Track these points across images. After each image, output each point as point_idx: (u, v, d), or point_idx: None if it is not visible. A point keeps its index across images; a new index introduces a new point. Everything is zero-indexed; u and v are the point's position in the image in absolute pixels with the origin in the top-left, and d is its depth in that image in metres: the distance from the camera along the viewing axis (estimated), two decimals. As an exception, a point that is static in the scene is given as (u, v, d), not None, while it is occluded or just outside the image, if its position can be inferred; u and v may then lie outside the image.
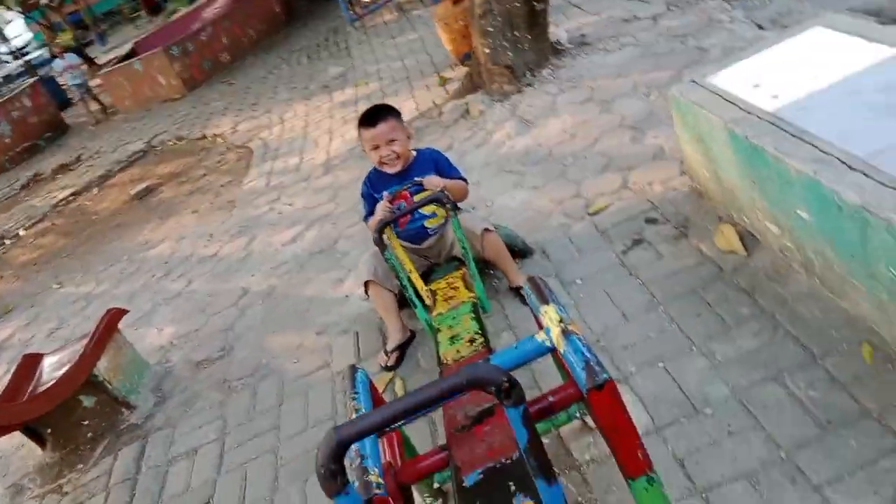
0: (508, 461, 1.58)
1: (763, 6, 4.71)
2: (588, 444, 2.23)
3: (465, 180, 3.09)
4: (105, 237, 7.10)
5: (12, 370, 3.77)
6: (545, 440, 2.32)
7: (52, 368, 3.69)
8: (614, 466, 1.55)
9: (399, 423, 1.21)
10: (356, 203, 3.85)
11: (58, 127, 14.21)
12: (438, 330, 2.31)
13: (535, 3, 4.91)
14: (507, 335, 2.86)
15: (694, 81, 2.83)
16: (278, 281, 4.33)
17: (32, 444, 3.71)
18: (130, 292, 5.31)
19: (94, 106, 13.68)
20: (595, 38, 5.32)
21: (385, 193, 2.87)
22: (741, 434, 2.04)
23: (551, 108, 4.59)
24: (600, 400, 1.41)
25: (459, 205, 3.09)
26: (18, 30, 30.82)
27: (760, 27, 4.41)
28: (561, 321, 1.57)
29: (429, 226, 3.07)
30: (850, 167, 1.97)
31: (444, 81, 5.94)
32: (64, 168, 11.27)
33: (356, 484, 1.43)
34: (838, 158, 2.02)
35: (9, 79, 21.89)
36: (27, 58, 24.97)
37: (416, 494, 2.20)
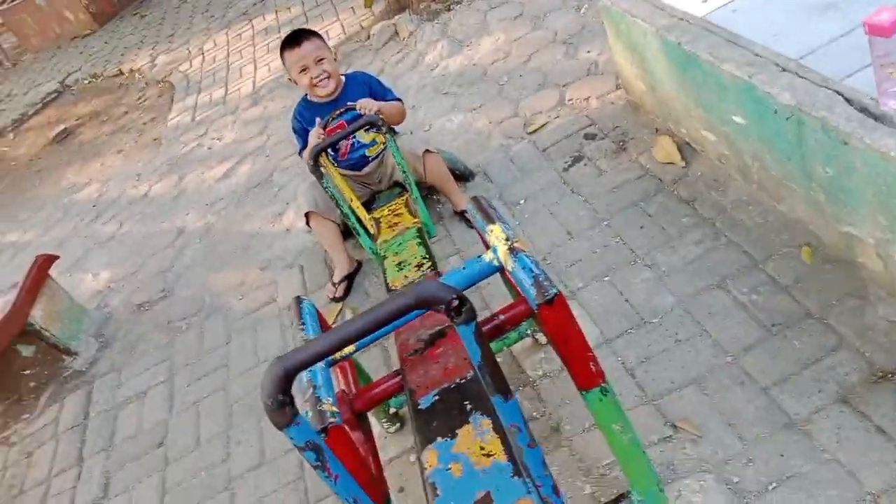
0: (463, 380, 1.59)
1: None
2: (540, 361, 2.27)
3: (399, 100, 2.99)
4: (27, 183, 6.75)
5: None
6: (498, 358, 2.35)
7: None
8: (567, 380, 1.57)
9: (349, 351, 1.19)
10: (289, 134, 3.73)
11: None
12: (385, 257, 2.28)
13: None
14: (456, 260, 2.85)
15: (627, -9, 2.78)
16: (215, 218, 4.20)
17: (-28, 403, 3.60)
18: (60, 239, 5.09)
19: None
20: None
21: (318, 119, 2.77)
22: (689, 341, 2.09)
23: (482, 26, 4.47)
24: (551, 314, 1.41)
25: (397, 129, 3.02)
26: None
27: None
28: (507, 239, 1.55)
29: (369, 154, 2.99)
30: (783, 69, 1.98)
31: (370, 2, 5.72)
32: (-28, 115, 10.58)
33: (310, 414, 1.41)
34: (772, 61, 2.02)
35: None
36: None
37: (373, 421, 2.22)
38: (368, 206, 2.82)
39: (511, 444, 1.36)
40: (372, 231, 2.62)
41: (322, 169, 2.55)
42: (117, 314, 3.80)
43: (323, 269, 3.25)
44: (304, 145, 2.88)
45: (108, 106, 7.64)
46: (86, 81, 8.92)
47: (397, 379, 1.73)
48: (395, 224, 2.50)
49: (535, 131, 3.34)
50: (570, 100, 3.40)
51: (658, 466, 1.84)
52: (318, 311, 1.79)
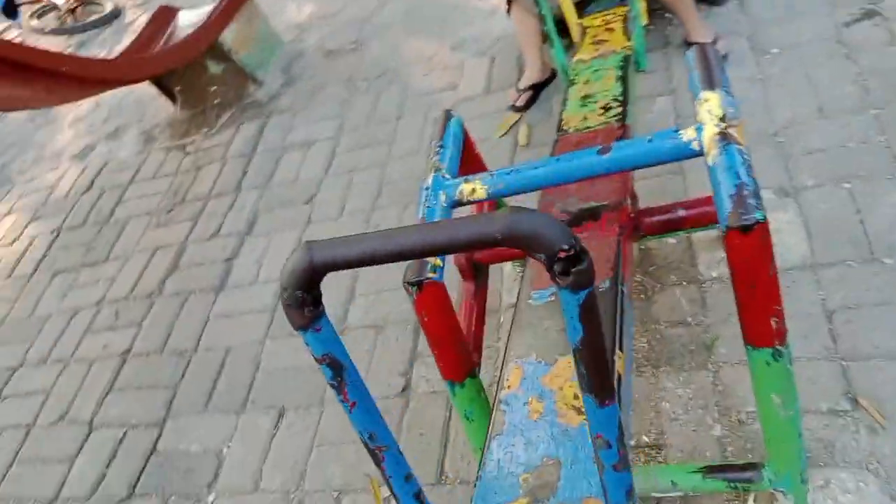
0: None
1: None
2: (720, 261, 1.84)
3: None
4: None
5: (147, 20, 3.68)
6: (671, 240, 1.94)
7: (185, 26, 3.56)
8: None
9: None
10: None
11: None
12: (573, 82, 1.85)
13: None
14: (663, 102, 2.34)
15: None
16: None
17: (165, 99, 3.76)
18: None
19: None
20: None
21: None
22: (919, 302, 1.58)
23: None
24: (742, 245, 1.01)
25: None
26: None
27: None
28: (722, 118, 1.10)
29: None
30: None
31: None
32: None
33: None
34: None
35: None
36: None
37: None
38: (580, 7, 2.29)
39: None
40: (576, 39, 2.15)
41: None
42: (308, 54, 3.70)
43: (514, 67, 2.86)
44: None
45: None
46: None
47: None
48: (602, 42, 2.00)
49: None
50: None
51: (813, 442, 1.47)
52: (466, 134, 1.47)
